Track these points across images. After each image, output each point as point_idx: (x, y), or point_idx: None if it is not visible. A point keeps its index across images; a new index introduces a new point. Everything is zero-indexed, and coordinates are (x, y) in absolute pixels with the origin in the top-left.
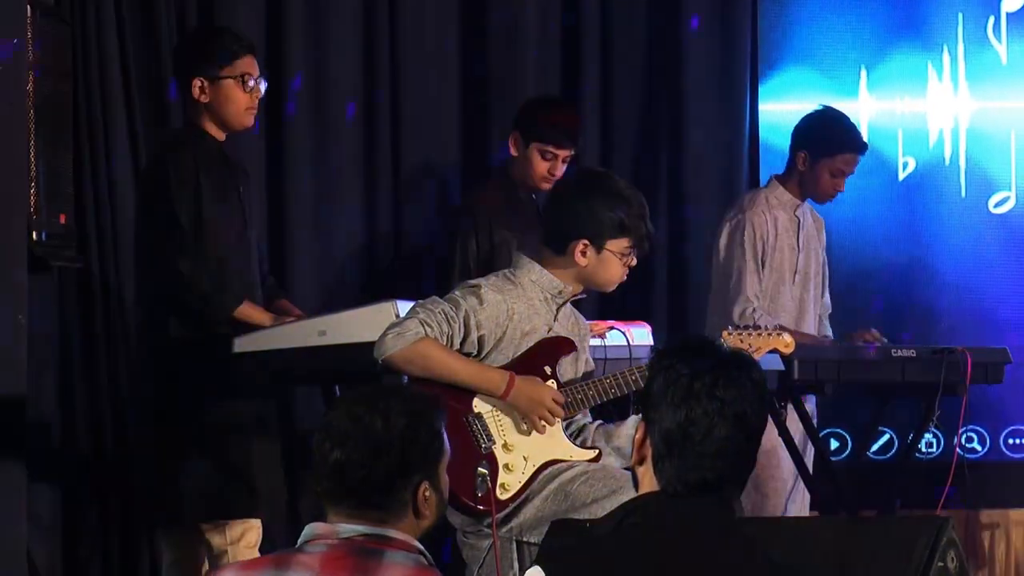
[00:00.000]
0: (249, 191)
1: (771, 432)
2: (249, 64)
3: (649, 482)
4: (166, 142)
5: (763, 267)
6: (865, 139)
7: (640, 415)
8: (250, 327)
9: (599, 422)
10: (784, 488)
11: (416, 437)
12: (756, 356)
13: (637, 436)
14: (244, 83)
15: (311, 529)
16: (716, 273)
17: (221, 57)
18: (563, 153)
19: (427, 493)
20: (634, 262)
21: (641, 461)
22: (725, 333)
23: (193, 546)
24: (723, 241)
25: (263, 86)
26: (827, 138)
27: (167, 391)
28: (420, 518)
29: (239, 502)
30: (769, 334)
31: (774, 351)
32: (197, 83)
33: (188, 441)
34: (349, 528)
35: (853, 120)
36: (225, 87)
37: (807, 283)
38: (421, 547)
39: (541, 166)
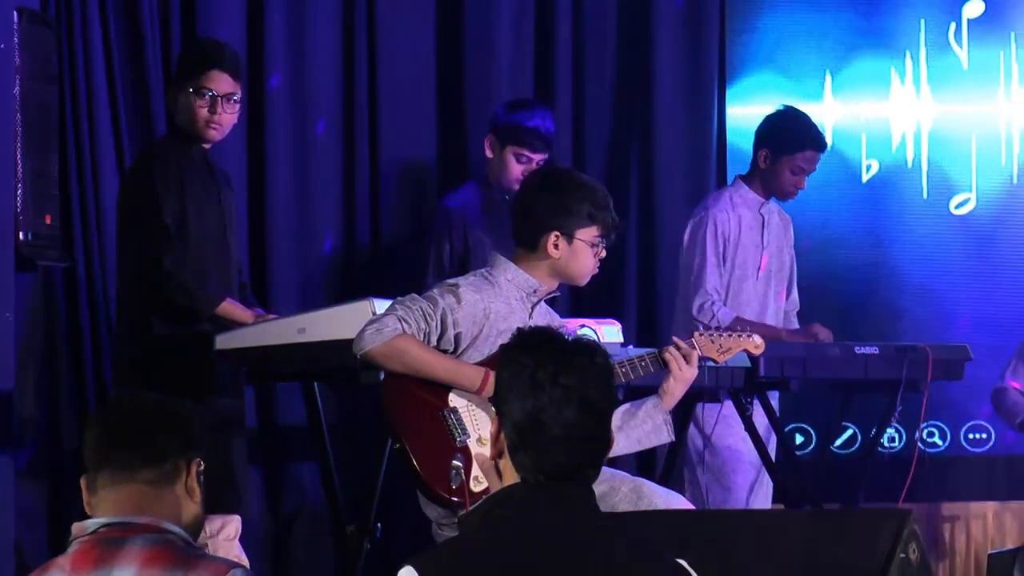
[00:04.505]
0: (230, 198)
1: (735, 427)
2: (214, 80)
3: (511, 474)
4: (153, 146)
5: (725, 264)
6: (829, 141)
7: (626, 406)
8: (231, 325)
9: None
10: (747, 482)
11: (189, 414)
12: (727, 356)
13: (492, 431)
14: (201, 96)
15: (73, 530)
16: (681, 271)
17: (189, 68)
18: (538, 157)
19: (200, 468)
20: (603, 253)
21: (500, 454)
22: (697, 334)
23: None
24: (687, 238)
25: (235, 106)
26: (788, 136)
27: (149, 388)
28: (190, 498)
29: (220, 498)
30: (739, 335)
31: (744, 351)
32: (171, 91)
33: None
34: (95, 522)
35: (817, 123)
36: (185, 98)
37: (770, 280)
38: (174, 527)
39: (516, 169)
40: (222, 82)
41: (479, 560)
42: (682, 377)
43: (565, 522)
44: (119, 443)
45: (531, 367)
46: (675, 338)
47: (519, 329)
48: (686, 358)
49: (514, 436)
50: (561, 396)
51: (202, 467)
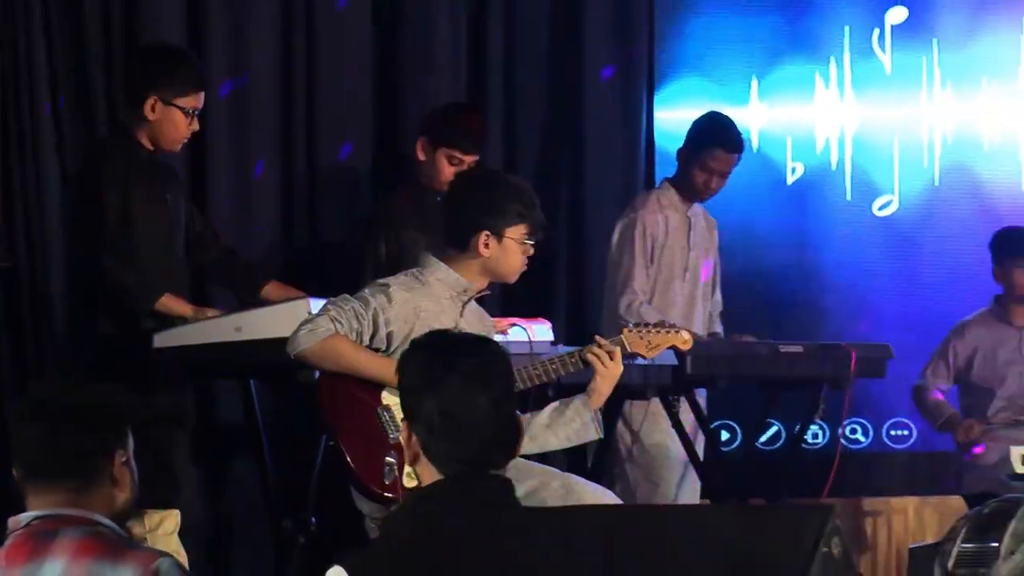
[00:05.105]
0: (178, 195)
1: (662, 424)
2: (200, 100)
3: (429, 474)
4: (98, 146)
5: (652, 264)
6: (755, 144)
7: (556, 404)
8: (173, 321)
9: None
10: (674, 478)
11: (106, 405)
12: (656, 352)
13: (403, 437)
14: (190, 116)
15: (8, 524)
16: (608, 270)
17: (184, 85)
18: (469, 158)
19: (124, 458)
20: (532, 251)
21: (415, 458)
22: (626, 331)
23: None
24: (616, 239)
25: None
26: (699, 135)
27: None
28: (118, 488)
29: (160, 494)
30: (667, 331)
31: (672, 347)
32: (152, 100)
33: None
34: (28, 515)
35: (743, 127)
36: (175, 114)
37: (697, 281)
38: (105, 520)
39: (447, 171)
40: (201, 103)
41: (405, 558)
42: (607, 375)
43: (486, 517)
44: (40, 459)
45: (425, 363)
46: (597, 337)
47: (413, 341)
48: (609, 355)
49: (426, 434)
50: (461, 384)
51: (125, 457)
